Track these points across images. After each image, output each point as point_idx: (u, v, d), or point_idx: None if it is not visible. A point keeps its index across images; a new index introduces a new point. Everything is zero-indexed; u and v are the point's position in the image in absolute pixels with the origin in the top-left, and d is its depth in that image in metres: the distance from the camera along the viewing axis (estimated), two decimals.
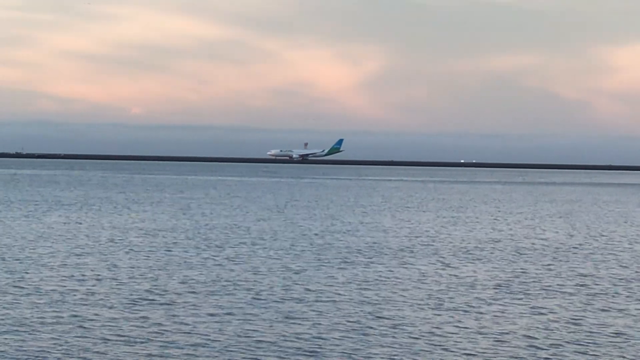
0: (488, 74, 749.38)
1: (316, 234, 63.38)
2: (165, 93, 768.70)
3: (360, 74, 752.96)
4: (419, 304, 33.78)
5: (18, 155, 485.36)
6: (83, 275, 40.11)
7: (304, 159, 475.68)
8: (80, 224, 69.05)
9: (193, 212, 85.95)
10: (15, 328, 28.05)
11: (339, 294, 35.90)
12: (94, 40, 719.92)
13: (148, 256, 47.94)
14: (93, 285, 37.12)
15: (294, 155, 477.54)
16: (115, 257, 46.93)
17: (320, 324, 29.69)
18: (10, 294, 34.57)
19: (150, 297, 34.38)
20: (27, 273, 40.30)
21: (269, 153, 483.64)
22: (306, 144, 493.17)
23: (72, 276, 39.66)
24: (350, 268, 44.32)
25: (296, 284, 38.60)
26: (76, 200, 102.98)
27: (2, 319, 29.41)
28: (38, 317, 29.86)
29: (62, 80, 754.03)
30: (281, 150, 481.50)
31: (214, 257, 47.81)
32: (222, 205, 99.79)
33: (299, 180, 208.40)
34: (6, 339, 26.58)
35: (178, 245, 54.14)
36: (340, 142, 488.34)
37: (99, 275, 40.18)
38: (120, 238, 57.79)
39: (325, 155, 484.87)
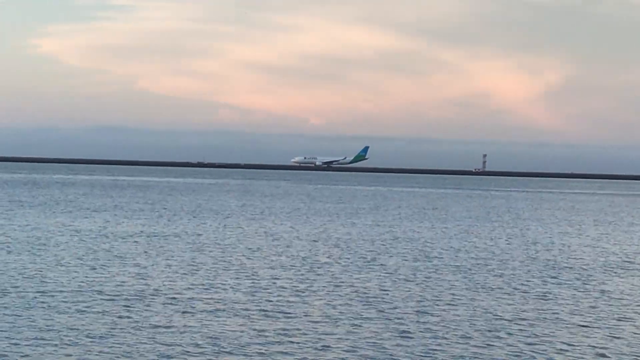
0: None
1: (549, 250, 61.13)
2: (343, 104, 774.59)
3: (541, 85, 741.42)
4: None
5: (200, 165, 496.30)
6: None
7: (328, 166, 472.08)
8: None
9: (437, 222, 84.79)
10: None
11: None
12: (274, 52, 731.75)
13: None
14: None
15: (318, 162, 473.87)
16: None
17: None
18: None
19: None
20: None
21: (292, 160, 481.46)
22: (484, 156, 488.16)
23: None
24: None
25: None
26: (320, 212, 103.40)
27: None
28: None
29: (243, 91, 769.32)
30: (305, 158, 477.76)
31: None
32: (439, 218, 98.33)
33: (486, 192, 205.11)
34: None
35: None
36: (365, 149, 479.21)
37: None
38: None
39: (350, 163, 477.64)
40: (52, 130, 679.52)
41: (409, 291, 38.37)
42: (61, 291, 35.55)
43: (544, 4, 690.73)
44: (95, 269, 42.69)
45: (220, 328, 28.99)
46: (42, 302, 32.72)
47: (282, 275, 42.57)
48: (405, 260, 50.79)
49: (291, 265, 46.47)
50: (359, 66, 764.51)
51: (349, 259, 50.75)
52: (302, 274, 43.01)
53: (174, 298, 34.71)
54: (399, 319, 31.60)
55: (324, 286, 39.19)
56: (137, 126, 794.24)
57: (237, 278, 40.98)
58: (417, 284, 40.69)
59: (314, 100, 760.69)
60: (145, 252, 51.22)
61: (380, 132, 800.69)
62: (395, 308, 33.87)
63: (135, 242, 56.98)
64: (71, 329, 28.13)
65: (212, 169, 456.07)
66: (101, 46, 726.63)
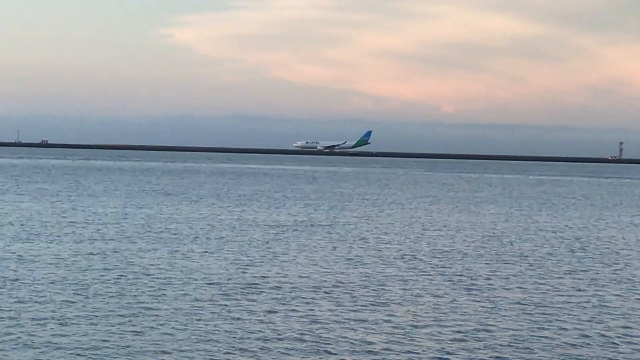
0: None
1: None
2: (476, 91, 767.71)
3: None
4: None
5: (331, 153, 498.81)
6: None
7: (330, 151, 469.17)
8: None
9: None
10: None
11: None
12: (406, 39, 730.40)
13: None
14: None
15: (319, 147, 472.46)
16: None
17: None
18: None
19: None
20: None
21: (295, 145, 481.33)
22: (621, 143, 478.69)
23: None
24: None
25: None
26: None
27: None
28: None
29: (375, 79, 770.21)
30: (307, 142, 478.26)
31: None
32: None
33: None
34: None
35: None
36: (368, 133, 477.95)
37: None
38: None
39: (353, 147, 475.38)
40: (187, 118, 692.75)
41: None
42: (242, 285, 37.23)
43: None
44: (246, 259, 44.31)
45: (335, 314, 30.08)
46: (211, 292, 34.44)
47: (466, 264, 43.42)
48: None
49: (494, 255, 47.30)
50: (494, 53, 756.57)
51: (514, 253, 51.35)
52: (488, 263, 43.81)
53: (335, 289, 35.94)
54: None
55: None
56: (270, 114, 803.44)
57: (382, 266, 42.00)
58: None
59: (446, 88, 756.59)
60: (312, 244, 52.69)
61: (516, 119, 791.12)
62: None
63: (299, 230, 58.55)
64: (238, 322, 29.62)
65: (345, 157, 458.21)
66: (235, 35, 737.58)
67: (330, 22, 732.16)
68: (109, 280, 36.03)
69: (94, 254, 43.80)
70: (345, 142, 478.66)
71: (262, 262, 43.01)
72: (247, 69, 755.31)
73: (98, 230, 55.84)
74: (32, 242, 48.05)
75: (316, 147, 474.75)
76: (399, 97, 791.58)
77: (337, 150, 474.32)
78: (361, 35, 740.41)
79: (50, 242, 48.31)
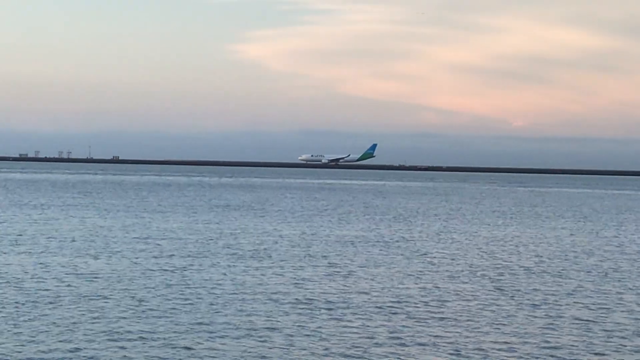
0: None
1: None
2: (547, 105, 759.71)
3: None
4: None
5: (401, 168, 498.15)
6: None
7: (336, 164, 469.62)
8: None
9: None
10: None
11: None
12: (476, 53, 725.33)
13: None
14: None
15: (324, 160, 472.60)
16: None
17: None
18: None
19: None
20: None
21: (299, 158, 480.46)
22: None
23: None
24: None
25: None
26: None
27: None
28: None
29: (444, 93, 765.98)
30: (312, 155, 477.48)
31: None
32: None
33: None
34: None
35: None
36: (373, 147, 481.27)
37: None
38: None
39: (358, 160, 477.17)
40: (257, 134, 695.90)
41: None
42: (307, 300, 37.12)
43: None
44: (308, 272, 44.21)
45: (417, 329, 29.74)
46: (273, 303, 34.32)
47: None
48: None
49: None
50: (566, 66, 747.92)
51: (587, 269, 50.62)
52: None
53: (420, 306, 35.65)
54: None
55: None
56: (339, 129, 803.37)
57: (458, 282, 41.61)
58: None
59: (516, 101, 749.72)
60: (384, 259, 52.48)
61: (589, 133, 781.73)
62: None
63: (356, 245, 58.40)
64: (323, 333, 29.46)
65: (414, 171, 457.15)
66: (304, 50, 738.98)
67: (399, 36, 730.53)
68: (165, 295, 36.03)
69: (153, 270, 43.93)
70: (350, 155, 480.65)
71: (320, 277, 42.77)
72: (316, 84, 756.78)
73: (159, 245, 56.11)
74: (95, 258, 48.40)
75: (321, 160, 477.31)
76: (469, 111, 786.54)
77: (342, 164, 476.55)
78: (431, 49, 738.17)
79: (111, 257, 48.64)
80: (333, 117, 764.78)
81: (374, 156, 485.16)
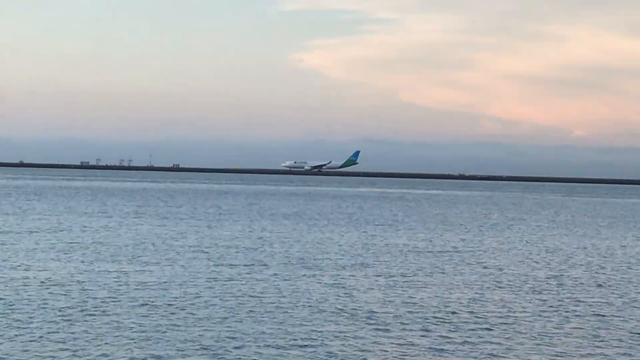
0: None
1: None
2: (609, 115, 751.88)
3: None
4: None
5: (460, 177, 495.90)
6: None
7: (319, 171, 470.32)
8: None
9: None
10: None
11: None
12: (537, 62, 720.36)
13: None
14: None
15: (307, 167, 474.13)
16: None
17: None
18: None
19: None
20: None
21: (283, 165, 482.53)
22: None
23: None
24: None
25: None
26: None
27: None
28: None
29: (505, 102, 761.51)
30: (295, 162, 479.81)
31: None
32: None
33: None
34: None
35: None
36: (356, 154, 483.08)
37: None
38: None
39: (340, 167, 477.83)
40: (318, 143, 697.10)
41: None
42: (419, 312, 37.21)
43: None
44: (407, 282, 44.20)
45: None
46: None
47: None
48: None
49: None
50: (629, 76, 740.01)
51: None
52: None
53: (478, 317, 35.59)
54: None
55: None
56: (399, 138, 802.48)
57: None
58: None
59: (578, 111, 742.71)
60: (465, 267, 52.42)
61: None
62: None
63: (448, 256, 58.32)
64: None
65: (472, 181, 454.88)
66: (364, 59, 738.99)
67: (459, 45, 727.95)
68: (214, 304, 36.24)
69: (199, 276, 44.22)
70: (331, 161, 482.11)
71: (374, 287, 42.78)
72: (376, 93, 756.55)
73: (208, 252, 56.47)
74: (146, 265, 48.85)
75: (304, 167, 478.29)
76: (529, 121, 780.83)
77: (325, 170, 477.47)
78: (491, 58, 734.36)
79: (157, 265, 49.08)
80: (393, 126, 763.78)
81: (356, 163, 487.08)
